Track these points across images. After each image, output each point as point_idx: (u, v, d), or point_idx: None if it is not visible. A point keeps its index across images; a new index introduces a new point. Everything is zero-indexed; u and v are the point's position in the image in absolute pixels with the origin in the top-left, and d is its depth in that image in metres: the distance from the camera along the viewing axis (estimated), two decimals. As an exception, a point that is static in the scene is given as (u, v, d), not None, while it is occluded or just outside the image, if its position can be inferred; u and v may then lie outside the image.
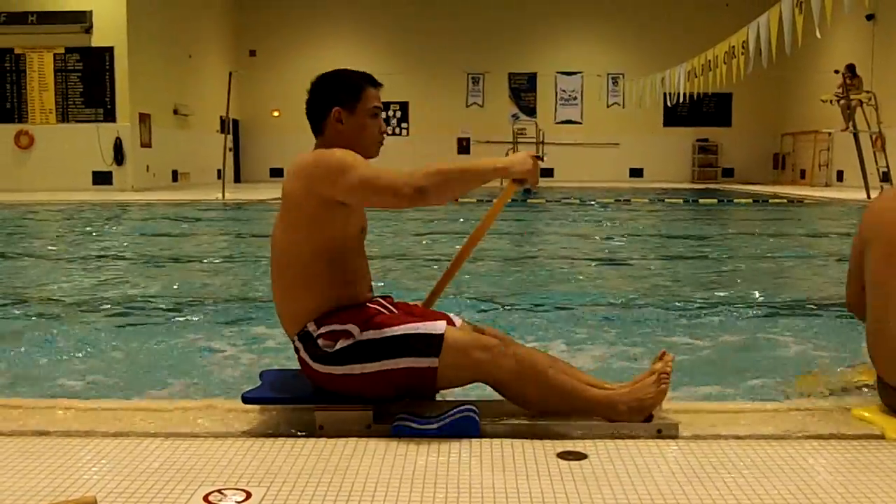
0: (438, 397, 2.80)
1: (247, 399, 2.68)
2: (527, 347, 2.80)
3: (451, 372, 2.60)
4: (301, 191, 2.65)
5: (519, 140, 25.67)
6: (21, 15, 19.61)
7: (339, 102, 2.74)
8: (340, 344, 2.60)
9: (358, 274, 2.76)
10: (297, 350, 2.71)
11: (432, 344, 2.57)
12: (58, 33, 19.76)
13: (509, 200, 2.95)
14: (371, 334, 2.60)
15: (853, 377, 3.54)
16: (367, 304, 2.73)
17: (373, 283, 2.89)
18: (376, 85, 2.82)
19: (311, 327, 2.65)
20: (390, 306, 2.79)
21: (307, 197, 2.64)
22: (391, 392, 2.64)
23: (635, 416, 2.61)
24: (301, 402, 2.72)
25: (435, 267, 7.30)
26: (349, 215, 2.69)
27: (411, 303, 2.94)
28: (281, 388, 2.79)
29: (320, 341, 2.62)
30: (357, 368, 2.59)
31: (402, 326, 2.62)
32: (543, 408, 2.65)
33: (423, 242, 10.00)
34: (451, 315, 2.87)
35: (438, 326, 2.61)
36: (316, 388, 2.71)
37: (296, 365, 2.79)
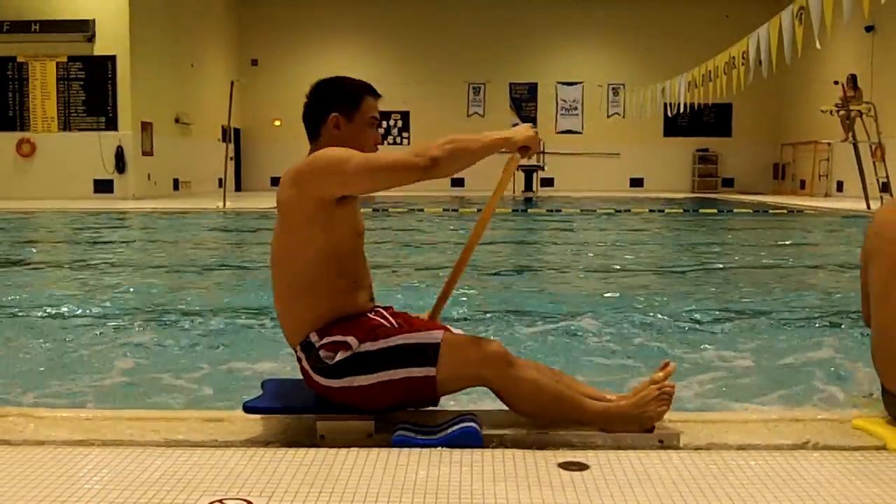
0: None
1: (248, 408, 2.68)
2: (526, 361, 2.79)
3: (450, 379, 2.60)
4: (296, 196, 2.65)
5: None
6: (24, 24, 19.67)
7: (338, 109, 2.76)
8: (339, 356, 2.60)
9: (358, 280, 2.76)
10: (299, 360, 2.71)
11: (429, 353, 2.57)
12: (60, 42, 19.82)
13: (515, 170, 2.95)
14: (369, 346, 2.60)
15: (855, 387, 3.55)
16: (369, 314, 2.73)
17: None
18: (376, 95, 2.84)
19: (314, 338, 2.65)
20: (390, 318, 2.79)
21: (303, 201, 2.64)
22: (391, 403, 2.65)
23: (633, 430, 2.62)
24: (302, 411, 2.72)
25: (423, 277, 7.30)
26: (345, 217, 2.68)
27: (412, 315, 2.94)
28: (282, 397, 2.79)
29: (321, 352, 2.62)
30: (357, 381, 2.59)
31: (398, 337, 2.62)
32: (541, 416, 2.65)
33: (407, 253, 10.00)
34: (450, 328, 2.86)
35: (435, 336, 2.62)
36: (317, 397, 2.71)
37: (297, 374, 2.79)
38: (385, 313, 2.79)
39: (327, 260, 2.66)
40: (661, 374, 2.73)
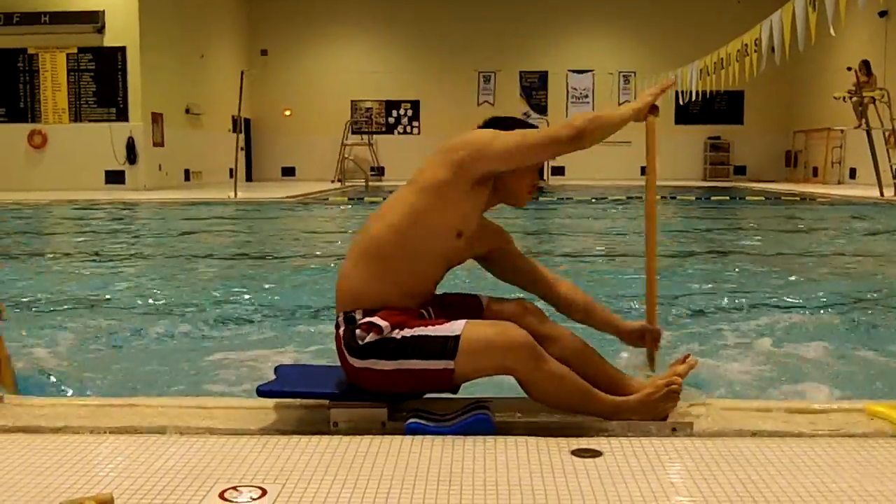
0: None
1: (261, 392, 2.69)
2: (559, 335, 2.81)
3: (472, 370, 2.61)
4: (434, 164, 2.71)
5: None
6: (34, 15, 19.70)
7: None
8: (370, 337, 2.61)
9: (422, 282, 2.77)
10: (336, 327, 2.72)
11: (448, 346, 2.57)
12: (70, 33, 19.85)
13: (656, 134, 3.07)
14: (395, 333, 2.61)
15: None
16: (413, 308, 2.75)
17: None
18: None
19: (359, 315, 2.66)
20: (433, 310, 2.79)
21: (439, 168, 2.68)
22: (408, 390, 2.66)
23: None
24: (315, 395, 2.72)
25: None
26: (457, 203, 2.69)
27: None
28: (295, 382, 2.80)
29: (357, 330, 2.63)
30: (378, 365, 2.60)
31: (422, 328, 2.62)
32: (559, 407, 2.66)
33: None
34: (485, 296, 2.90)
35: (455, 328, 2.61)
36: (330, 381, 2.72)
37: (309, 361, 2.79)
38: (431, 313, 2.79)
39: (420, 239, 2.68)
40: (681, 367, 2.74)
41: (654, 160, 3.05)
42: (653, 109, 2.88)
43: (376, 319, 2.62)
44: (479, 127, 2.86)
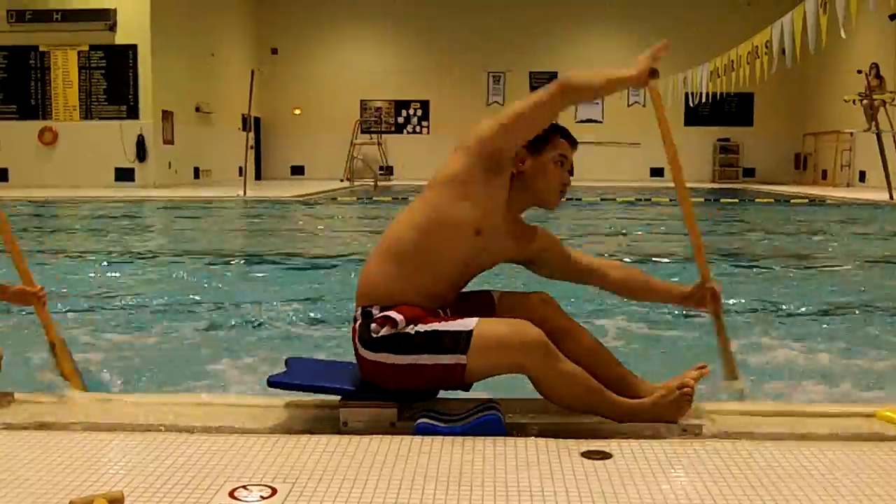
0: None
1: (272, 383, 2.69)
2: (575, 333, 2.80)
3: (484, 367, 2.60)
4: (451, 161, 2.72)
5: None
6: (46, 13, 19.79)
7: (527, 145, 2.78)
8: (384, 331, 2.61)
9: (444, 285, 2.75)
10: (354, 320, 2.73)
11: (460, 341, 2.57)
12: (82, 31, 19.93)
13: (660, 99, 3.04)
14: (409, 328, 2.61)
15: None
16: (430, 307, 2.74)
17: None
18: (572, 142, 2.90)
19: (376, 310, 2.66)
20: (448, 309, 2.79)
21: (459, 161, 2.69)
22: (420, 386, 2.66)
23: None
24: (325, 390, 2.72)
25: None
26: (474, 197, 2.68)
27: None
28: (305, 374, 2.80)
29: (373, 324, 2.63)
30: (390, 359, 2.61)
31: (435, 324, 2.62)
32: (571, 407, 2.66)
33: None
34: (498, 292, 2.90)
35: (469, 324, 2.61)
36: (340, 376, 2.73)
37: (321, 356, 2.80)
38: (447, 312, 2.78)
39: (441, 242, 2.68)
40: (694, 373, 2.73)
41: (668, 128, 3.03)
42: (653, 73, 2.83)
43: (392, 314, 2.62)
44: None
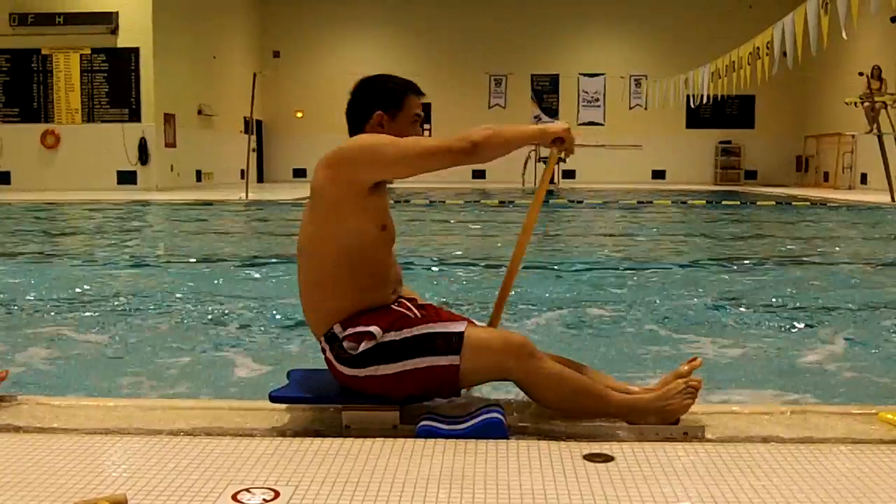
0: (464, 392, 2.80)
1: (274, 398, 2.70)
2: (552, 355, 2.79)
3: (474, 370, 2.61)
4: (329, 179, 2.66)
5: (541, 141, 25.61)
6: (48, 16, 19.82)
7: (382, 107, 2.77)
8: (364, 346, 2.62)
9: (382, 275, 2.75)
10: (323, 350, 2.73)
11: (452, 342, 2.59)
12: (84, 34, 19.96)
13: (554, 166, 2.94)
14: (393, 335, 2.62)
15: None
16: (393, 306, 2.74)
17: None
18: (419, 94, 2.85)
19: (337, 329, 2.67)
20: (415, 309, 2.79)
21: (335, 184, 2.65)
22: (416, 392, 2.66)
23: (656, 422, 2.63)
24: (328, 401, 2.74)
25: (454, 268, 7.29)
26: (374, 208, 2.68)
27: (437, 306, 2.95)
28: (308, 387, 2.80)
29: (345, 343, 2.64)
30: (380, 370, 2.61)
31: (422, 326, 2.63)
32: (565, 408, 2.65)
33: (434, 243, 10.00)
34: (475, 322, 2.87)
35: (458, 325, 2.63)
36: (342, 387, 2.72)
37: (322, 365, 2.81)
38: (409, 304, 2.80)
39: (350, 251, 2.67)
40: (686, 367, 2.73)
41: (543, 192, 2.99)
42: (558, 141, 2.76)
43: (361, 328, 2.62)
44: (352, 91, 2.83)
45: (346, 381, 2.68)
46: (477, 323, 2.83)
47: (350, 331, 2.64)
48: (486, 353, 2.59)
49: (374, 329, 2.61)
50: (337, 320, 2.67)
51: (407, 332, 2.62)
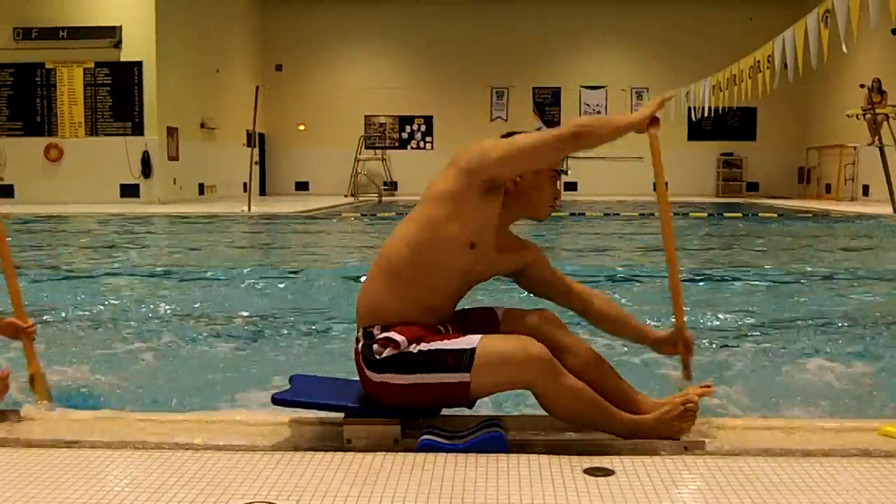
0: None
1: (276, 400, 2.71)
2: (576, 348, 2.80)
3: (486, 385, 2.62)
4: (441, 176, 2.74)
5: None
6: (52, 30, 19.89)
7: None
8: (387, 352, 2.63)
9: (441, 295, 2.77)
10: (356, 341, 2.75)
11: (463, 360, 2.59)
12: (88, 48, 20.02)
13: (659, 146, 3.01)
14: (412, 348, 2.63)
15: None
16: (431, 325, 2.76)
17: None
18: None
19: (377, 330, 2.68)
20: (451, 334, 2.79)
21: (445, 180, 2.72)
22: (424, 405, 2.67)
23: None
24: (329, 407, 2.74)
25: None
26: (470, 212, 2.70)
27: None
28: (310, 392, 2.81)
29: (375, 345, 2.66)
30: (394, 379, 2.63)
31: (438, 342, 2.64)
32: (574, 421, 2.68)
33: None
34: (501, 308, 2.91)
35: (472, 341, 2.63)
36: (345, 393, 2.75)
37: (326, 372, 2.81)
38: (449, 329, 2.80)
39: (436, 250, 2.70)
40: (698, 389, 2.75)
41: (662, 171, 3.04)
42: (653, 122, 2.84)
43: (393, 334, 2.64)
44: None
45: (363, 380, 2.71)
46: (499, 311, 2.87)
47: (384, 335, 2.66)
48: (504, 367, 2.59)
49: (400, 338, 2.63)
50: (382, 321, 2.69)
51: (424, 346, 2.63)
